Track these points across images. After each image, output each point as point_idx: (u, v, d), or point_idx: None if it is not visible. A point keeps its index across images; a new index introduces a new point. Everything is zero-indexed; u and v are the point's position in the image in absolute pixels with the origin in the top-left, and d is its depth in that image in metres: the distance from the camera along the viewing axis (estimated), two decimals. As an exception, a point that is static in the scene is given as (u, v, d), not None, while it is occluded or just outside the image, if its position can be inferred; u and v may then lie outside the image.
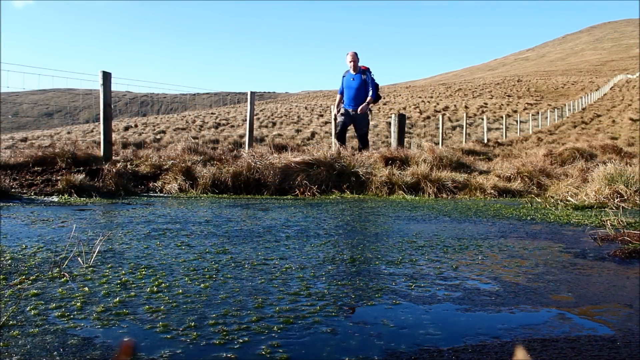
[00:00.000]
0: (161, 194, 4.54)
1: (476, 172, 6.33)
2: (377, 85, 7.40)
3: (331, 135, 10.15)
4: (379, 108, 36.37)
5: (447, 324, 1.16)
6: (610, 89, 43.96)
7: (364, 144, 7.38)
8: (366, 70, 7.32)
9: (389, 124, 9.78)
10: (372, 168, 5.40)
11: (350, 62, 7.31)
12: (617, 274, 1.66)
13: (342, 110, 7.46)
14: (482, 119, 22.34)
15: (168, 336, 1.05)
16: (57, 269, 1.58)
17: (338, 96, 7.54)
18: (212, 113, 35.35)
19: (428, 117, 30.55)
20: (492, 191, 5.06)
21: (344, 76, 7.42)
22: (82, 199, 3.95)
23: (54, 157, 4.99)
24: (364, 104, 7.25)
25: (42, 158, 4.98)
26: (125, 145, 14.08)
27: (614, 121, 26.67)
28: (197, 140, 14.07)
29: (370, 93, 7.30)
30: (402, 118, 7.95)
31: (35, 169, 4.82)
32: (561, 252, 2.03)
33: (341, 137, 7.43)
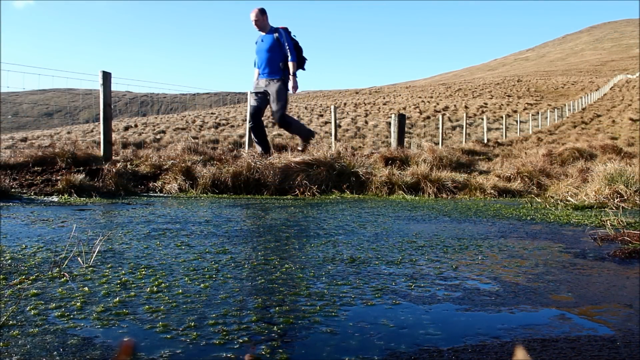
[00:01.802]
0: (161, 194, 4.54)
1: (476, 172, 6.34)
2: (296, 44, 5.84)
3: (331, 135, 10.14)
4: (379, 108, 36.37)
5: (447, 324, 1.16)
6: (610, 89, 43.98)
7: (284, 127, 5.88)
8: (280, 29, 5.80)
9: (389, 124, 9.78)
10: (372, 168, 5.41)
11: (254, 21, 5.75)
12: (617, 274, 1.66)
13: (253, 88, 5.95)
14: (482, 119, 22.35)
15: (168, 336, 1.05)
16: (57, 269, 1.58)
17: (255, 70, 6.02)
18: (212, 113, 35.35)
19: (428, 117, 30.56)
20: (492, 191, 5.06)
21: (256, 42, 5.94)
22: (82, 199, 3.95)
23: (54, 157, 4.99)
24: (293, 78, 5.69)
25: (42, 158, 4.98)
26: (125, 145, 14.09)
27: (614, 121, 26.67)
28: (197, 140, 14.08)
29: (290, 56, 5.69)
30: (402, 118, 7.95)
31: (35, 169, 4.82)
32: (561, 252, 2.03)
33: (256, 125, 5.82)
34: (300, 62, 5.89)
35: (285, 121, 5.85)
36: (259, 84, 5.87)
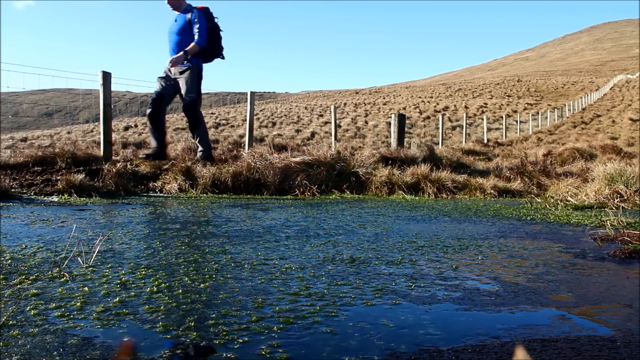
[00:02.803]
0: (161, 194, 4.54)
1: (476, 172, 6.34)
2: (212, 29, 5.13)
3: (331, 135, 10.14)
4: (379, 108, 36.35)
5: (447, 324, 1.16)
6: (610, 89, 43.98)
7: (191, 118, 5.10)
8: (196, 8, 5.05)
9: (389, 124, 9.78)
10: (372, 168, 5.41)
11: None
12: (617, 274, 1.66)
13: (162, 73, 5.22)
14: (482, 119, 22.35)
15: (168, 336, 1.05)
16: (57, 269, 1.58)
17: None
18: (212, 113, 35.35)
19: (428, 117, 30.56)
20: (492, 191, 5.06)
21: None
22: (82, 199, 3.95)
23: (54, 157, 4.99)
24: (177, 55, 4.96)
25: (42, 158, 4.98)
26: (125, 145, 14.08)
27: (613, 121, 26.68)
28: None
29: (196, 37, 4.96)
30: (402, 118, 7.96)
31: (35, 169, 4.82)
32: (561, 252, 2.03)
33: (155, 112, 5.11)
34: (213, 51, 5.19)
35: (195, 113, 5.09)
36: (170, 70, 5.18)
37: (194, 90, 5.05)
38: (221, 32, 5.31)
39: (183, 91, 5.07)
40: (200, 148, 5.37)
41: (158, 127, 5.17)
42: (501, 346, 1.03)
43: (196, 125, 5.18)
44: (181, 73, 5.07)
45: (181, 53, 4.97)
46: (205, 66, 5.27)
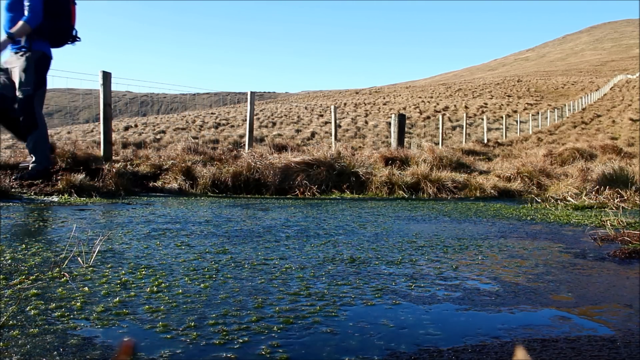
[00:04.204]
0: (161, 194, 4.54)
1: (476, 172, 6.33)
2: (56, 0, 4.01)
3: (331, 135, 10.14)
4: (379, 108, 36.34)
5: (447, 324, 1.16)
6: (610, 89, 43.98)
7: (24, 118, 3.98)
8: None
9: (389, 124, 9.79)
10: (372, 168, 5.41)
11: None
12: (617, 274, 1.66)
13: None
14: (482, 119, 22.35)
15: (168, 336, 1.05)
16: (57, 269, 1.58)
17: None
18: (212, 113, 35.35)
19: (428, 117, 30.56)
20: (492, 191, 5.06)
21: None
22: (82, 199, 3.95)
23: (54, 157, 4.99)
24: (3, 40, 3.82)
25: (42, 158, 4.97)
26: (125, 145, 14.08)
27: (614, 121, 26.68)
28: (197, 140, 14.06)
29: (26, 14, 3.85)
30: (402, 118, 7.96)
31: (35, 169, 4.81)
32: (561, 252, 2.03)
33: (4, 119, 4.14)
34: (59, 31, 4.12)
35: (30, 111, 3.97)
36: (6, 61, 4.11)
37: (30, 82, 3.97)
38: (75, 6, 4.25)
39: (16, 84, 4.00)
40: (31, 159, 4.16)
41: (14, 128, 4.16)
42: (501, 346, 1.03)
43: (30, 127, 4.02)
44: (15, 59, 4.03)
45: (4, 37, 3.86)
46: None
